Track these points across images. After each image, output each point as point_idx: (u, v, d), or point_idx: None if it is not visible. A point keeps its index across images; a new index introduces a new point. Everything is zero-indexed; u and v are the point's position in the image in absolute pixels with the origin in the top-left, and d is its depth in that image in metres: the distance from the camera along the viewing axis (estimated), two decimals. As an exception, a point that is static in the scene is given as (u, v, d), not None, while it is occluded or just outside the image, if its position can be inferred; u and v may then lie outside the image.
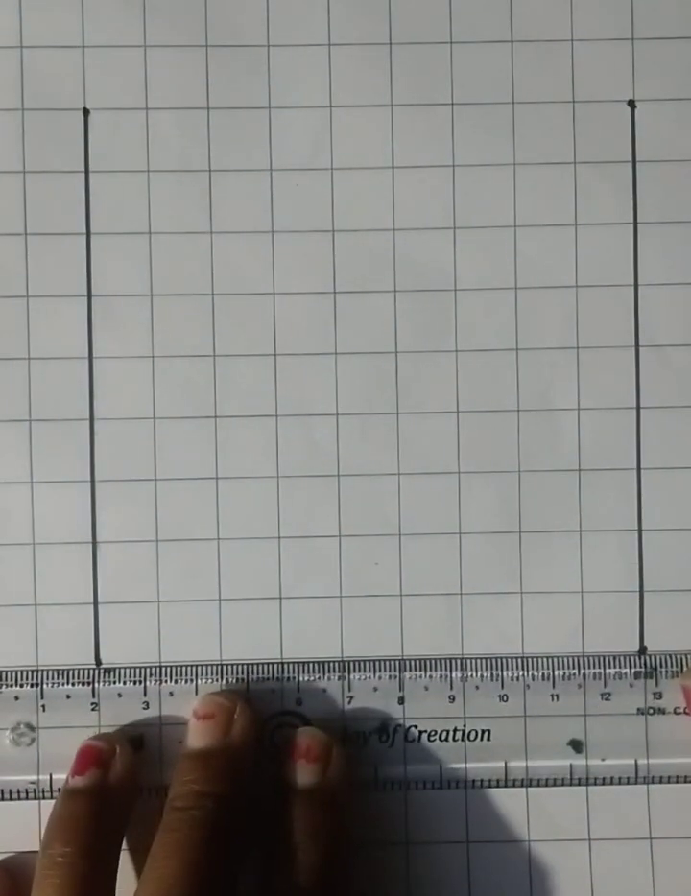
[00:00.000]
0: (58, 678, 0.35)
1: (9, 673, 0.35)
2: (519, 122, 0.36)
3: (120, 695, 0.35)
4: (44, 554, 0.35)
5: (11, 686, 0.35)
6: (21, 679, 0.35)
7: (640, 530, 0.36)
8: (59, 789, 0.35)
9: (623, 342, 0.36)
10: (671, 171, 0.36)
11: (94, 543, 0.35)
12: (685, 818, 0.35)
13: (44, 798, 0.35)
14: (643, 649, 0.35)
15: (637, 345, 0.36)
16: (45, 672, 0.35)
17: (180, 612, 0.35)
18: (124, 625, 0.35)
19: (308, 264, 0.35)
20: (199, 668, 0.35)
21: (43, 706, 0.35)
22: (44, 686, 0.35)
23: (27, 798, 0.35)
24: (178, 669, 0.35)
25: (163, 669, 0.35)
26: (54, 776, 0.35)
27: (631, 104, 0.36)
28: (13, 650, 0.35)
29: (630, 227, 0.36)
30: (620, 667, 0.35)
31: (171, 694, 0.35)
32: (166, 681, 0.35)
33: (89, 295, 0.35)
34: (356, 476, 0.35)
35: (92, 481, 0.35)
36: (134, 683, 0.35)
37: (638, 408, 0.36)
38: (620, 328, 0.36)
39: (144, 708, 0.35)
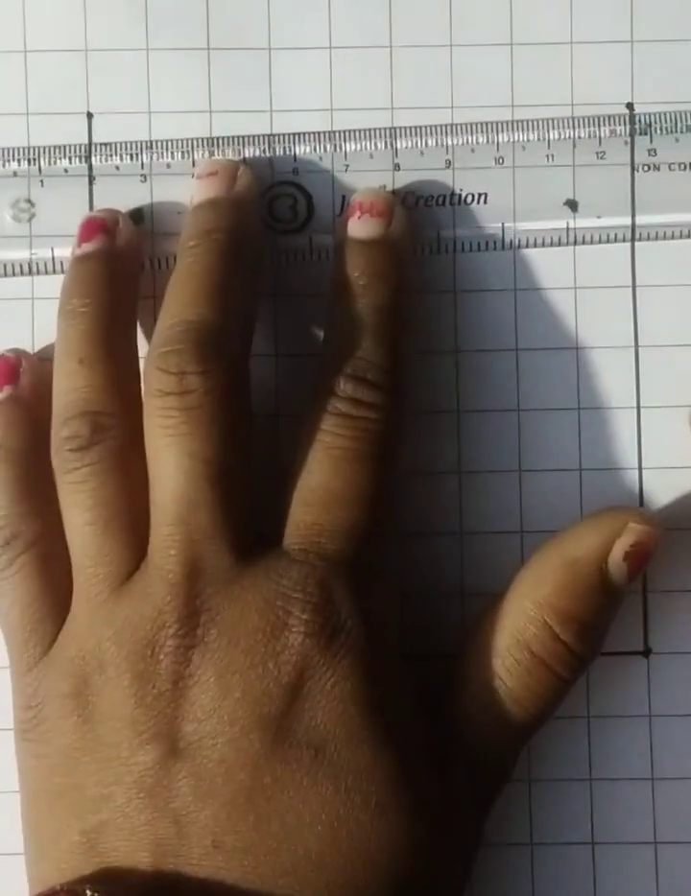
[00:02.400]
0: (56, 154, 0.35)
1: (7, 151, 0.35)
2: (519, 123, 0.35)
3: (118, 168, 0.35)
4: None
5: (9, 162, 0.35)
6: (19, 155, 0.35)
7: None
8: (61, 263, 0.35)
9: (623, 342, 0.36)
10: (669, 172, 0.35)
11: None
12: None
13: (39, 274, 0.35)
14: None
15: (637, 345, 0.35)
16: (42, 149, 0.35)
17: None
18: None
19: (308, 264, 0.35)
20: (194, 141, 0.35)
21: (41, 182, 0.35)
22: (41, 162, 0.35)
23: (24, 274, 0.35)
24: (175, 142, 0.35)
25: (157, 144, 0.35)
26: (54, 251, 0.35)
27: (630, 107, 0.35)
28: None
29: (629, 227, 0.35)
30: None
31: (168, 166, 0.35)
32: (163, 156, 0.35)
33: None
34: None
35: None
36: (131, 157, 0.35)
37: (638, 407, 0.36)
38: (620, 328, 0.35)
39: (142, 181, 0.35)
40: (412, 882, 0.30)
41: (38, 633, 0.32)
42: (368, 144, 0.35)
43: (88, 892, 0.29)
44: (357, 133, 0.35)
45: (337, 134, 0.35)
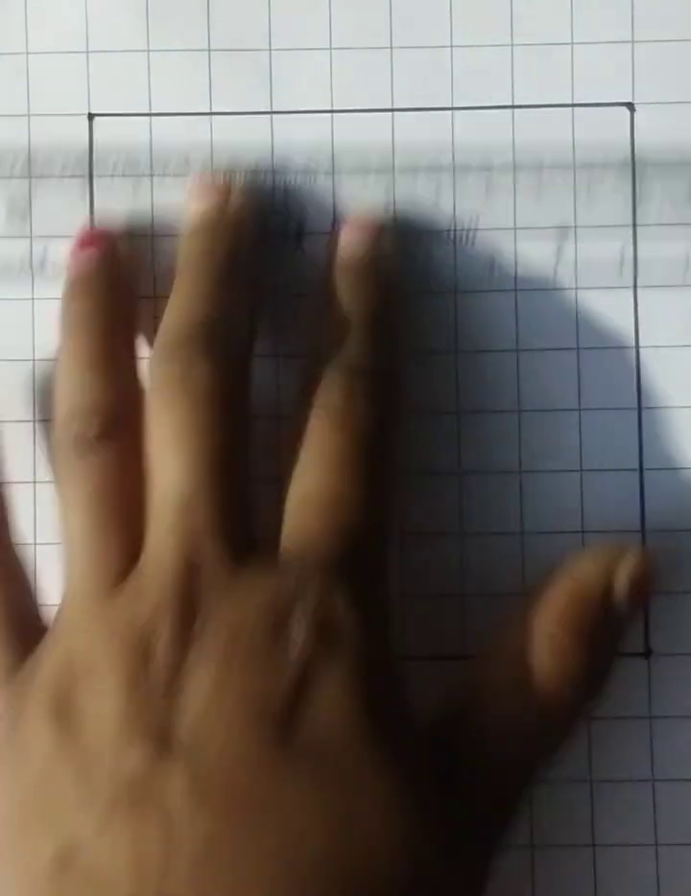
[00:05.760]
0: (54, 155, 0.35)
1: (3, 152, 0.35)
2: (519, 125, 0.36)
3: (114, 170, 0.36)
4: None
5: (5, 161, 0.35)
6: (16, 157, 0.35)
7: (643, 530, 0.36)
8: (56, 264, 0.35)
9: (623, 343, 0.36)
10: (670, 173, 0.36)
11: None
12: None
13: (36, 275, 0.35)
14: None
15: (637, 345, 0.36)
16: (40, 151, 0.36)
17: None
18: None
19: (308, 265, 0.36)
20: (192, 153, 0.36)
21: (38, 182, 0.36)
22: (39, 162, 0.35)
23: (23, 273, 0.35)
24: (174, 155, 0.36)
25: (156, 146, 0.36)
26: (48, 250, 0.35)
27: (630, 107, 0.36)
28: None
29: (629, 229, 0.36)
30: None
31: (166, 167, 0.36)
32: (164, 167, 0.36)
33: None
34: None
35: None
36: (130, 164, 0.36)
37: (640, 408, 0.36)
38: (621, 328, 0.36)
39: (138, 184, 0.35)
40: (416, 878, 0.29)
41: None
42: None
43: None
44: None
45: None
